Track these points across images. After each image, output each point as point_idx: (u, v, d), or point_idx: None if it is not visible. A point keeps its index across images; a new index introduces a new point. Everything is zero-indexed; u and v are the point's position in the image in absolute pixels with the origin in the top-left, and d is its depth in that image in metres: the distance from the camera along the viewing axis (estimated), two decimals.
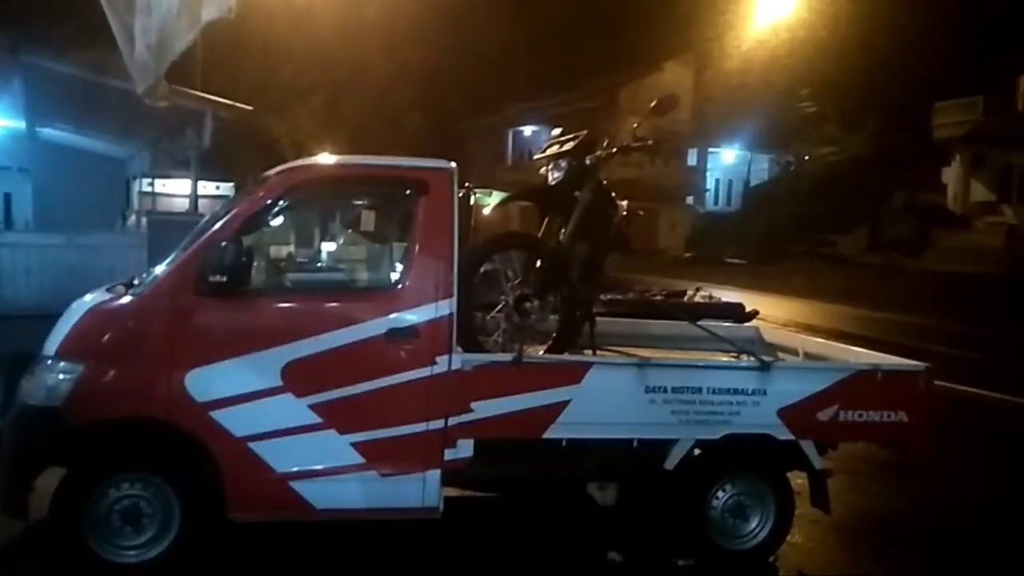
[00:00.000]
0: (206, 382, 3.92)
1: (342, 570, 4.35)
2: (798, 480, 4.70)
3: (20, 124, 14.85)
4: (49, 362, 3.93)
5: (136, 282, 4.28)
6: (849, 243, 29.87)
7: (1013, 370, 11.33)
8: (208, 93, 11.30)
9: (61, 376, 3.86)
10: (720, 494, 4.53)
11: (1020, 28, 25.66)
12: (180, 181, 17.28)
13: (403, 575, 4.37)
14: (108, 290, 4.23)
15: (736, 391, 4.41)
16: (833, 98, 32.20)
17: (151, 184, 16.44)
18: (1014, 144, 27.35)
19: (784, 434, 4.45)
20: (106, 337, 3.95)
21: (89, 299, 4.15)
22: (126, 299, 4.05)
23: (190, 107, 10.68)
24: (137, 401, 3.92)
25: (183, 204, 15.97)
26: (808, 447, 4.53)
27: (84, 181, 15.84)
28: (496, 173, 36.37)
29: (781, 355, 5.39)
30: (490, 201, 5.31)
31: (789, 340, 5.78)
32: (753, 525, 4.56)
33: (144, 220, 10.50)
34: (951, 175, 30.65)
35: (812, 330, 12.45)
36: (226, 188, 22.40)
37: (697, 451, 4.46)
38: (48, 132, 15.71)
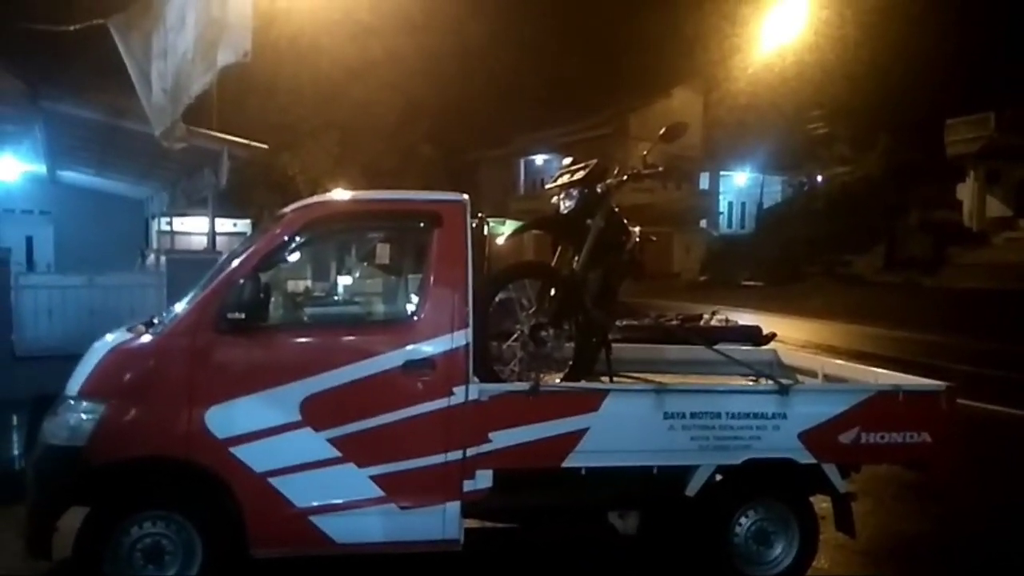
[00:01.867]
0: (226, 419, 3.95)
1: None
2: (822, 504, 4.65)
3: (41, 168, 15.14)
4: (72, 402, 3.97)
5: (156, 321, 4.33)
6: (865, 263, 29.67)
7: None
8: (223, 133, 11.48)
9: (83, 416, 3.90)
10: (743, 520, 4.48)
11: None
12: (198, 219, 17.48)
13: None
14: (129, 330, 4.29)
15: (756, 415, 4.38)
16: (843, 118, 32.22)
17: (169, 223, 16.66)
18: None
19: (806, 458, 4.41)
20: (127, 377, 4.00)
21: (110, 339, 4.20)
22: (146, 338, 4.10)
23: (206, 147, 10.84)
24: (158, 440, 3.95)
25: (201, 242, 16.16)
26: (831, 470, 4.48)
27: (104, 222, 16.08)
28: (508, 202, 36.56)
29: (800, 378, 5.35)
30: (504, 230, 5.34)
31: (808, 362, 5.74)
32: (778, 551, 4.50)
33: (163, 259, 10.62)
34: (966, 191, 30.49)
35: (831, 351, 12.35)
36: (243, 225, 22.64)
37: (718, 477, 4.43)
38: (68, 175, 15.99)
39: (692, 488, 4.36)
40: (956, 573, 4.98)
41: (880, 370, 5.23)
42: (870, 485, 5.69)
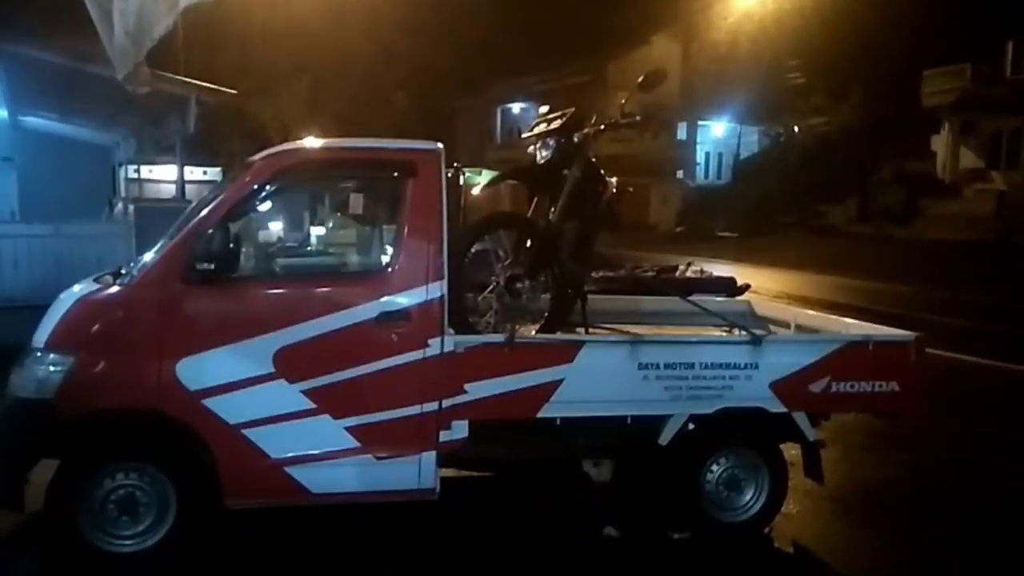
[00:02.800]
0: (197, 370, 3.91)
1: (340, 555, 4.37)
2: (791, 452, 4.74)
3: (2, 113, 14.68)
4: (39, 354, 3.91)
5: (124, 271, 4.25)
6: (839, 214, 29.90)
7: (1004, 336, 11.42)
8: (191, 78, 11.18)
9: (51, 368, 3.84)
10: (715, 468, 4.56)
11: None
12: (166, 167, 17.12)
13: (402, 554, 4.38)
14: (96, 280, 4.20)
15: (729, 365, 4.43)
16: (821, 68, 32.05)
17: (137, 171, 16.30)
18: (1003, 110, 27.33)
19: (777, 407, 4.48)
20: (95, 328, 3.93)
21: (77, 290, 4.12)
22: (114, 289, 4.02)
23: (173, 92, 10.56)
24: (128, 391, 3.90)
25: (170, 190, 15.85)
26: (801, 419, 4.56)
27: (70, 169, 15.69)
28: (485, 152, 36.21)
29: (773, 328, 5.41)
30: (480, 180, 5.27)
31: (781, 313, 5.80)
32: (748, 497, 4.60)
33: (131, 208, 10.40)
34: (940, 143, 30.63)
35: (804, 302, 12.50)
36: (213, 173, 22.22)
37: (691, 426, 4.48)
38: (32, 121, 15.53)
39: (665, 437, 4.42)
40: (922, 518, 5.12)
41: (851, 320, 5.30)
42: (840, 434, 5.81)
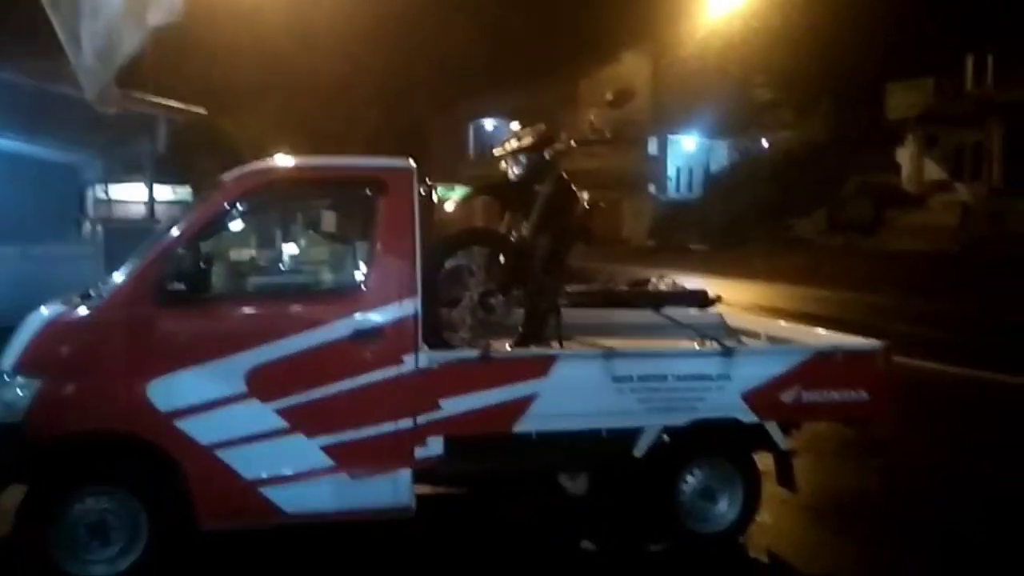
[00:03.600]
0: (169, 391, 3.88)
1: (319, 570, 4.33)
2: (765, 461, 4.79)
3: None
4: (6, 378, 3.85)
5: (93, 293, 4.21)
6: (808, 226, 30.30)
7: (970, 344, 11.63)
8: (160, 97, 11.12)
9: (19, 392, 3.79)
10: (689, 478, 4.60)
11: (967, 7, 26.21)
12: (135, 187, 16.95)
13: (381, 570, 4.36)
14: (64, 302, 4.15)
15: (701, 377, 4.48)
16: (787, 84, 32.65)
17: (106, 191, 16.11)
18: (965, 123, 27.95)
19: (749, 417, 4.53)
20: (64, 350, 3.89)
21: (45, 312, 4.07)
22: (83, 311, 3.98)
23: (143, 112, 10.50)
24: (99, 414, 3.86)
25: (139, 210, 15.69)
26: (773, 428, 4.61)
27: (36, 190, 15.42)
28: (458, 168, 36.25)
29: (744, 339, 5.47)
30: (453, 196, 5.30)
31: (752, 324, 5.87)
32: (722, 507, 4.64)
33: (100, 228, 10.30)
34: (905, 155, 31.22)
35: (775, 312, 12.64)
36: (183, 193, 22.02)
37: (665, 437, 4.52)
38: None
39: (640, 449, 4.45)
40: (895, 524, 5.19)
41: (820, 330, 5.38)
42: (811, 442, 5.88)
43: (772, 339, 5.46)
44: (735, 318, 6.07)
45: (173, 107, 10.90)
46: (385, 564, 4.44)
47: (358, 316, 4.09)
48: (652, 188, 39.51)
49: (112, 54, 7.70)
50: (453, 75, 37.03)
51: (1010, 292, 16.23)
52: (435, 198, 5.16)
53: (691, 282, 6.31)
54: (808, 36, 28.38)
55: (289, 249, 5.04)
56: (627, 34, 34.90)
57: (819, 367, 4.61)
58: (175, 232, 4.06)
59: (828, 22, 27.54)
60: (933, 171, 30.10)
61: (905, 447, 6.55)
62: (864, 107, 31.27)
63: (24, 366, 3.85)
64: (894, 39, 27.29)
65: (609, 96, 4.84)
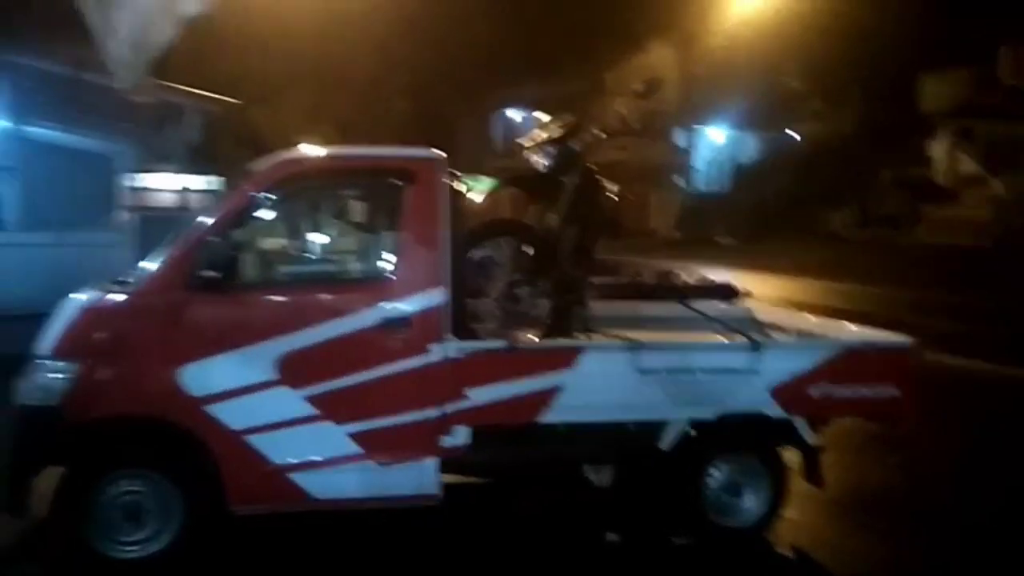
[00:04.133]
0: (201, 377, 3.95)
1: (346, 558, 4.39)
2: (791, 456, 4.76)
3: (4, 123, 14.71)
4: (44, 362, 3.94)
5: (127, 279, 4.28)
6: (838, 219, 29.95)
7: (1003, 340, 11.43)
8: (192, 87, 11.24)
9: (56, 375, 3.88)
10: (715, 472, 4.58)
11: None
12: (169, 176, 17.16)
13: (408, 560, 4.41)
14: (100, 288, 4.23)
15: (729, 371, 4.46)
16: (818, 74, 32.17)
17: (140, 180, 16.32)
18: (1000, 115, 27.43)
19: (777, 412, 4.50)
20: (100, 335, 3.97)
21: (81, 298, 4.15)
22: (118, 297, 4.06)
23: (175, 101, 10.63)
24: (133, 399, 3.94)
25: (172, 199, 15.88)
26: (800, 424, 4.58)
27: (72, 179, 15.68)
28: (485, 159, 36.23)
29: (772, 334, 5.43)
30: (479, 187, 5.31)
31: (780, 318, 5.82)
32: (748, 502, 4.62)
33: (134, 216, 10.45)
34: (938, 149, 30.70)
35: (804, 307, 12.51)
36: (215, 182, 22.26)
37: (691, 431, 4.51)
38: (33, 130, 15.56)
39: (666, 442, 4.44)
40: (921, 521, 5.14)
41: (850, 325, 5.33)
42: (837, 437, 5.83)
43: (800, 334, 5.42)
44: (764, 312, 6.03)
45: (205, 96, 11.01)
46: (410, 552, 4.49)
47: (386, 305, 4.13)
48: (679, 180, 39.23)
49: (144, 43, 7.82)
50: (480, 66, 36.97)
51: None
52: (462, 189, 5.17)
53: (719, 275, 6.27)
54: (839, 25, 27.94)
55: (319, 238, 5.08)
56: (654, 24, 34.60)
57: (848, 363, 4.57)
58: (208, 220, 4.12)
59: (859, 11, 27.10)
60: (967, 165, 29.57)
61: (933, 443, 6.47)
62: (896, 99, 30.75)
63: (61, 351, 3.93)
64: (927, 29, 26.79)
65: (638, 86, 4.82)
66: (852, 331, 5.17)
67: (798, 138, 35.58)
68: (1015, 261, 19.10)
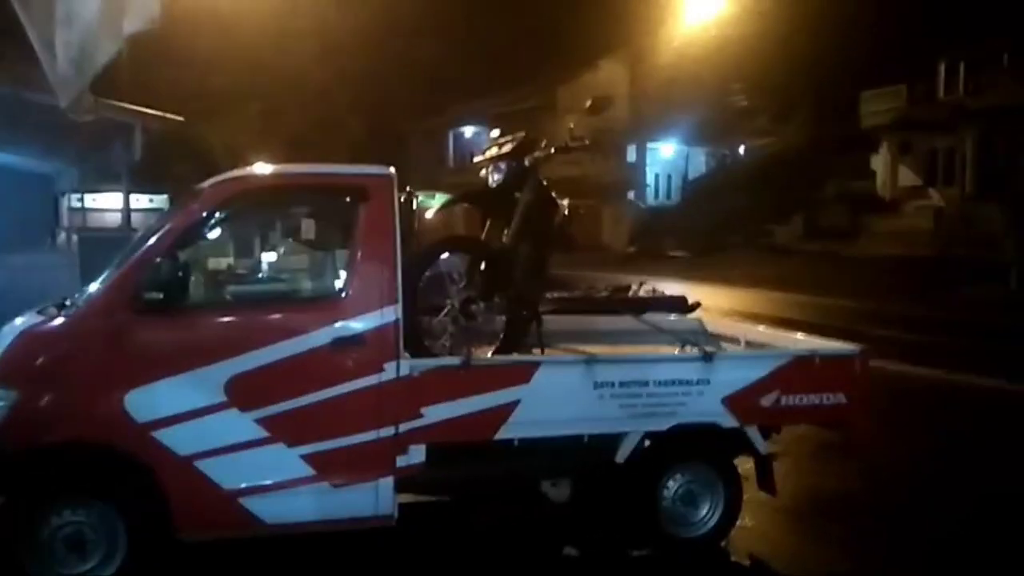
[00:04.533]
0: (146, 402, 3.83)
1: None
2: (745, 465, 4.82)
3: None
4: None
5: (68, 302, 4.16)
6: (786, 232, 30.61)
7: (945, 347, 11.78)
8: (136, 104, 11.01)
9: None
10: (671, 483, 4.61)
11: (940, 15, 26.64)
12: (111, 195, 16.77)
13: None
14: (39, 312, 4.10)
15: (681, 382, 4.50)
16: (764, 91, 33.01)
17: (81, 200, 15.94)
18: (938, 129, 28.40)
19: (729, 421, 4.56)
20: (39, 361, 3.84)
21: (19, 322, 4.02)
22: (59, 321, 3.93)
23: (118, 120, 10.40)
24: (75, 425, 3.81)
25: (115, 219, 15.53)
26: (753, 433, 4.64)
27: (10, 199, 15.28)
28: (438, 175, 36.21)
29: (724, 345, 5.51)
30: (433, 204, 5.30)
31: (731, 329, 5.91)
32: (704, 512, 4.66)
33: (75, 237, 10.19)
34: (880, 162, 31.65)
35: (754, 318, 12.73)
36: (160, 201, 21.81)
37: (647, 443, 4.54)
38: None
39: (622, 454, 4.46)
40: (875, 526, 5.24)
41: (799, 335, 5.43)
42: (790, 446, 5.92)
43: (751, 344, 5.51)
44: (715, 323, 6.11)
45: (149, 114, 10.79)
46: (367, 572, 4.41)
47: (338, 324, 4.07)
48: (631, 195, 39.70)
49: (87, 61, 7.61)
50: (432, 83, 37.03)
51: (985, 296, 16.48)
52: (415, 205, 5.16)
53: (671, 288, 6.34)
54: (784, 44, 28.71)
55: (268, 257, 5.01)
56: (605, 41, 35.11)
57: (798, 371, 4.65)
58: (152, 241, 4.02)
59: (803, 30, 27.89)
60: (907, 177, 30.55)
61: (883, 449, 6.61)
62: (840, 114, 31.67)
63: None
64: (868, 47, 27.68)
65: (587, 103, 4.87)
66: (801, 341, 5.27)
67: (745, 153, 36.37)
68: (955, 271, 19.75)
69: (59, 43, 7.84)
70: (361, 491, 4.09)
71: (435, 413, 4.14)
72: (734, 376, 4.57)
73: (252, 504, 3.98)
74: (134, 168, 11.60)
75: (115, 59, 7.87)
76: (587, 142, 4.95)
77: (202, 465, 3.91)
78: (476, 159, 5.12)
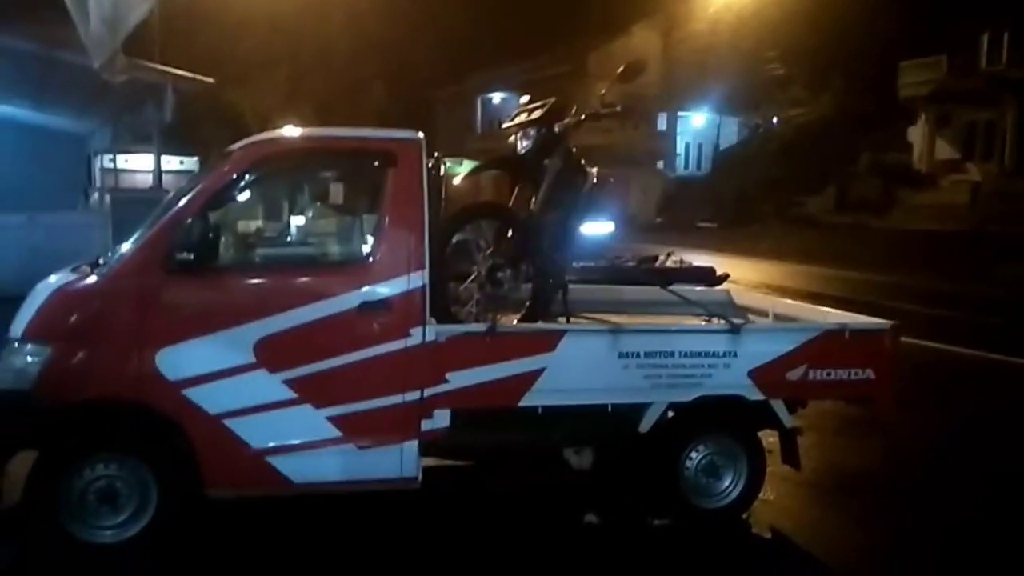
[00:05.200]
0: (177, 361, 3.90)
1: (324, 542, 4.38)
2: (769, 438, 4.80)
3: None
4: (16, 345, 3.88)
5: (101, 261, 4.22)
6: (818, 204, 30.17)
7: (976, 325, 11.60)
8: (168, 66, 11.05)
9: (29, 359, 3.82)
10: (694, 455, 4.61)
11: None
12: (143, 156, 16.92)
13: (387, 543, 4.40)
14: (73, 270, 4.17)
15: (708, 354, 4.48)
16: (799, 60, 32.31)
17: (113, 160, 16.09)
18: (977, 102, 27.69)
19: (755, 394, 4.53)
20: (73, 318, 3.90)
21: (55, 280, 4.09)
22: (93, 279, 3.99)
23: (150, 81, 10.45)
24: (107, 382, 3.89)
25: (146, 180, 15.69)
26: (778, 406, 4.61)
27: (44, 159, 15.46)
28: (466, 141, 36.11)
29: (751, 317, 5.46)
30: (460, 170, 5.28)
31: (759, 302, 5.86)
32: (726, 484, 4.65)
33: (107, 197, 10.30)
34: (916, 134, 30.96)
35: (782, 291, 12.62)
36: (190, 163, 21.99)
37: (671, 413, 4.53)
38: (5, 109, 15.28)
39: (645, 424, 4.46)
40: (898, 502, 5.21)
41: (828, 309, 5.37)
42: (815, 420, 5.89)
43: (779, 317, 5.46)
44: (743, 296, 6.06)
45: (181, 76, 10.82)
46: (389, 537, 4.48)
47: (366, 288, 4.09)
48: (660, 164, 39.29)
49: (119, 21, 7.66)
50: (461, 48, 36.75)
51: (1019, 273, 16.15)
52: (443, 171, 5.14)
53: (699, 259, 6.29)
54: (821, 11, 28.04)
55: (297, 220, 5.03)
56: (638, 7, 34.53)
57: (827, 345, 4.60)
58: (184, 202, 4.05)
59: None
60: (945, 150, 29.87)
61: (909, 426, 6.55)
62: (876, 84, 30.94)
63: (34, 333, 3.87)
64: (908, 16, 26.93)
65: (620, 69, 4.79)
66: (829, 314, 5.20)
67: (778, 123, 35.74)
68: (991, 247, 19.35)
69: (92, 3, 7.89)
70: (386, 453, 4.14)
71: (460, 379, 4.17)
72: (761, 349, 4.53)
73: (279, 463, 4.04)
74: (165, 129, 11.68)
75: (147, 20, 7.90)
76: (618, 109, 4.88)
77: (231, 423, 3.97)
78: (505, 125, 5.08)
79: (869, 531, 4.79)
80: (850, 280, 16.05)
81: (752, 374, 4.50)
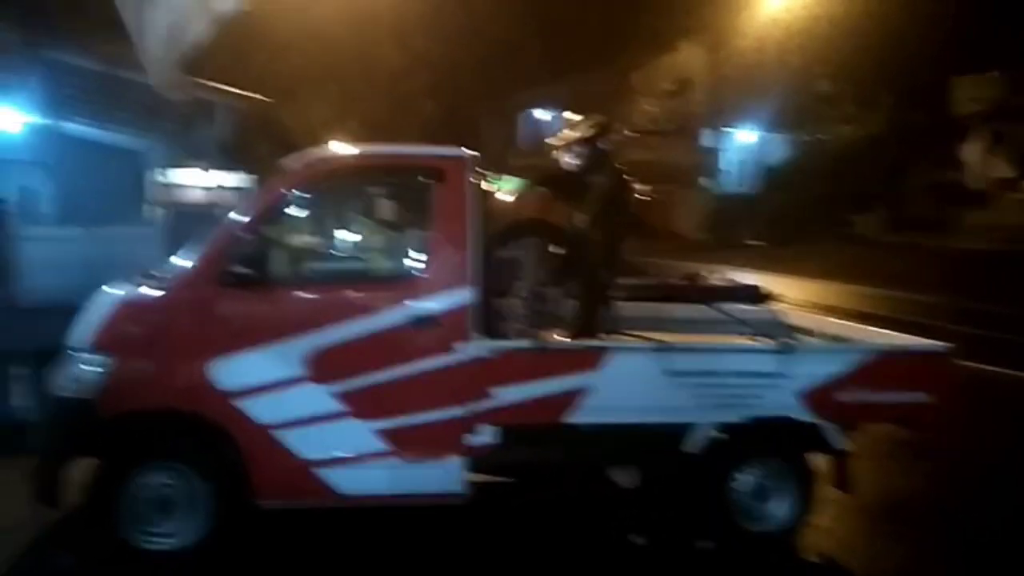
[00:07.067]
0: (231, 372, 4.00)
1: (368, 553, 4.42)
2: (816, 461, 4.71)
3: (39, 119, 14.96)
4: (79, 354, 4.00)
5: (157, 274, 4.34)
6: (868, 223, 29.58)
7: None
8: (222, 84, 11.35)
9: (91, 368, 3.94)
10: (741, 476, 4.55)
11: None
12: (196, 172, 17.35)
13: (431, 554, 4.42)
14: (132, 283, 4.29)
15: (756, 374, 4.43)
16: (849, 76, 31.74)
17: (169, 176, 16.54)
18: None
19: (805, 416, 4.46)
20: (134, 330, 4.03)
21: (117, 292, 4.22)
22: (152, 292, 4.12)
23: (206, 98, 10.74)
24: (165, 392, 4.00)
25: (199, 195, 16.08)
26: (829, 429, 4.53)
27: (103, 174, 15.91)
28: (508, 157, 36.23)
29: (801, 337, 5.38)
30: (504, 186, 5.32)
31: (809, 322, 5.76)
32: (775, 507, 4.58)
33: (163, 212, 10.58)
34: (970, 152, 30.21)
35: (832, 311, 12.37)
36: (242, 178, 22.46)
37: (718, 434, 4.48)
38: (67, 126, 15.83)
39: (692, 445, 4.41)
40: (948, 528, 5.07)
41: (880, 330, 5.26)
42: (865, 442, 5.76)
43: (829, 338, 5.36)
44: (791, 315, 5.97)
45: (236, 94, 11.11)
46: (431, 549, 4.50)
47: (414, 304, 4.14)
48: (707, 181, 38.91)
49: (177, 40, 7.90)
50: (505, 65, 36.96)
51: None
52: (491, 188, 5.19)
53: (747, 278, 6.23)
54: (871, 26, 27.56)
55: (349, 236, 5.12)
56: (684, 24, 34.37)
57: (880, 368, 4.51)
58: (240, 217, 4.16)
59: (892, 12, 26.71)
60: (999, 168, 29.07)
61: (961, 450, 6.37)
62: (927, 101, 30.29)
63: (96, 344, 4.00)
64: (960, 31, 26.35)
65: (670, 86, 4.79)
66: (881, 335, 5.10)
67: (827, 140, 35.15)
68: None
69: (151, 23, 8.15)
70: (432, 468, 4.18)
71: (505, 395, 4.19)
72: (812, 370, 4.46)
73: (328, 475, 4.11)
74: (220, 146, 11.98)
75: (203, 39, 8.14)
76: (665, 127, 4.88)
77: (282, 435, 4.05)
78: (550, 142, 5.12)
79: (920, 558, 4.67)
80: (903, 301, 15.68)
81: (802, 396, 4.43)
